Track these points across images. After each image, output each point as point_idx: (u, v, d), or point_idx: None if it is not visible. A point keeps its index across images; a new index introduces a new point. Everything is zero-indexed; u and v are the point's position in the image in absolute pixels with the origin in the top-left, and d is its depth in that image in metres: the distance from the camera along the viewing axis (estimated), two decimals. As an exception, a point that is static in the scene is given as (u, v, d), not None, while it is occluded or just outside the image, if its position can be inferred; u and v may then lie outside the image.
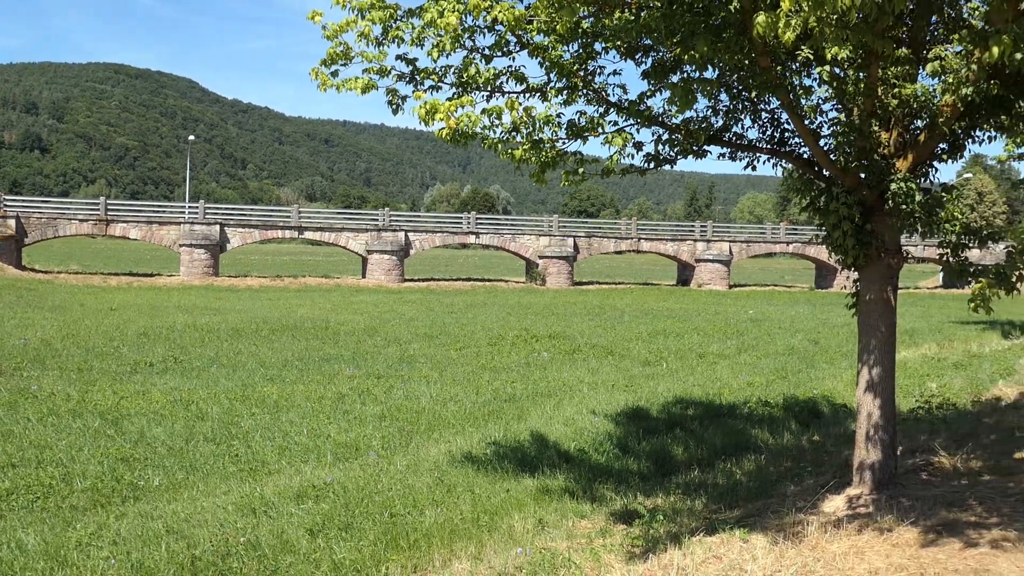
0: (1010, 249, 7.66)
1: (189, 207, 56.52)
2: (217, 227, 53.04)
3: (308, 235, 57.85)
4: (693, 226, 66.49)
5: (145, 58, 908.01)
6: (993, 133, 8.78)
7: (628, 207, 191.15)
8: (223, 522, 8.82)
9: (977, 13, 7.65)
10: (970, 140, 8.51)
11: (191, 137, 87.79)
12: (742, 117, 8.55)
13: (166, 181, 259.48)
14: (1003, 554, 6.17)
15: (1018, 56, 5.88)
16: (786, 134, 8.64)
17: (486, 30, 8.20)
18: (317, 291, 46.64)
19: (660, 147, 8.56)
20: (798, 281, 72.80)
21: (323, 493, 9.82)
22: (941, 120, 7.56)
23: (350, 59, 8.24)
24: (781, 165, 8.80)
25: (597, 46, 8.34)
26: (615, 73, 8.50)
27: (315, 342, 24.07)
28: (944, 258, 8.23)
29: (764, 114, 8.63)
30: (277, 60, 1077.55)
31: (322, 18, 8.09)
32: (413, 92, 8.29)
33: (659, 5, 7.05)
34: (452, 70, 8.35)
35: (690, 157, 8.70)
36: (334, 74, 8.31)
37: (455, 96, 8.13)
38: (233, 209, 58.97)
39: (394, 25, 8.04)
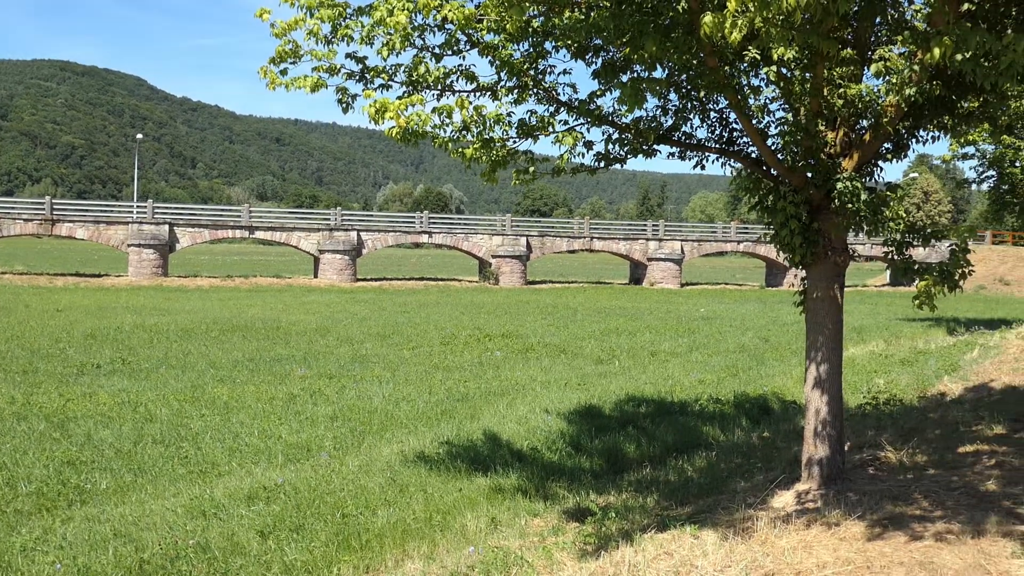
0: (953, 247, 7.79)
1: (137, 206, 55.79)
2: (166, 227, 52.43)
3: (259, 235, 57.38)
4: (645, 225, 66.90)
5: (91, 55, 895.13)
6: (936, 133, 8.93)
7: (581, 206, 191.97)
8: (172, 525, 8.73)
9: (920, 15, 7.78)
10: (914, 140, 8.66)
11: (139, 135, 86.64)
12: (691, 117, 8.61)
13: (114, 180, 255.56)
14: (947, 546, 6.27)
15: (959, 57, 5.98)
16: (734, 133, 8.71)
17: (436, 29, 8.20)
18: (268, 291, 46.26)
19: (610, 146, 8.59)
20: (749, 279, 73.56)
21: (274, 494, 9.74)
22: (885, 120, 7.67)
23: (299, 57, 8.19)
24: (730, 164, 8.87)
25: (548, 45, 8.35)
26: (565, 72, 8.53)
27: (266, 342, 23.87)
28: (889, 256, 8.35)
29: (713, 114, 8.70)
30: (227, 58, 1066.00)
31: (270, 16, 8.02)
32: (363, 91, 8.25)
33: (608, 5, 7.08)
34: (402, 69, 8.33)
35: (640, 156, 8.74)
36: (283, 72, 8.24)
37: (405, 95, 8.10)
38: (182, 208, 58.33)
39: (343, 23, 8.00)
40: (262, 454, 11.86)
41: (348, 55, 8.36)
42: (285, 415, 14.28)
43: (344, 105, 8.55)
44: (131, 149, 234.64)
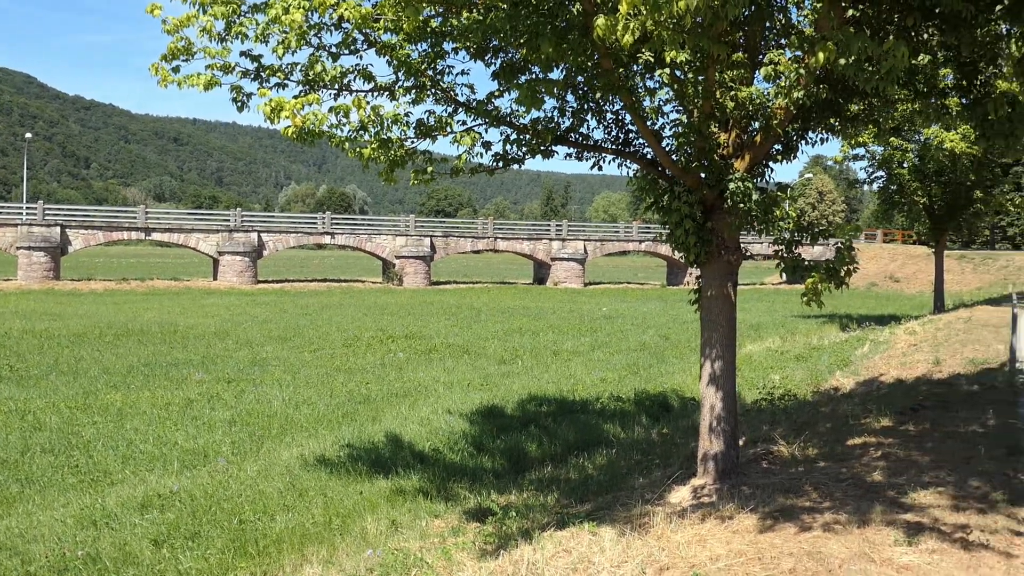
0: (839, 246, 8.03)
1: (27, 208, 53.83)
2: (57, 229, 50.79)
3: (156, 236, 56.00)
4: (549, 225, 67.39)
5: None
6: (825, 135, 9.21)
7: (485, 207, 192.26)
8: (61, 536, 8.48)
9: (807, 19, 8.00)
10: (803, 142, 8.90)
11: (28, 135, 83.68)
12: (587, 118, 8.69)
13: (2, 181, 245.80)
14: (834, 536, 6.46)
15: (842, 62, 6.17)
16: (630, 135, 8.83)
17: (332, 27, 8.11)
18: (165, 294, 45.21)
19: (508, 147, 8.62)
20: (650, 278, 74.63)
21: (169, 502, 9.53)
22: (775, 122, 7.86)
23: (192, 55, 8.02)
24: (626, 165, 8.99)
25: (447, 46, 8.35)
26: (463, 73, 8.53)
27: (163, 346, 23.32)
28: (779, 254, 8.56)
29: (609, 115, 8.80)
30: (122, 55, 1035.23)
31: (162, 12, 7.84)
32: (258, 89, 8.12)
33: (505, 6, 7.11)
34: (298, 68, 8.23)
35: (538, 157, 8.80)
36: (175, 70, 8.06)
37: (301, 94, 8.01)
38: (75, 210, 56.55)
39: (237, 21, 7.87)
40: (157, 461, 11.59)
41: (243, 53, 8.23)
42: (181, 421, 13.97)
43: (239, 104, 8.40)
44: (20, 149, 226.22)
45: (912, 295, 54.58)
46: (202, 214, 63.46)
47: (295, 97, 7.73)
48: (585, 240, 64.84)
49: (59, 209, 55.03)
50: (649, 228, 67.03)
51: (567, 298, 48.26)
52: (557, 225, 66.50)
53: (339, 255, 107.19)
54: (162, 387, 16.99)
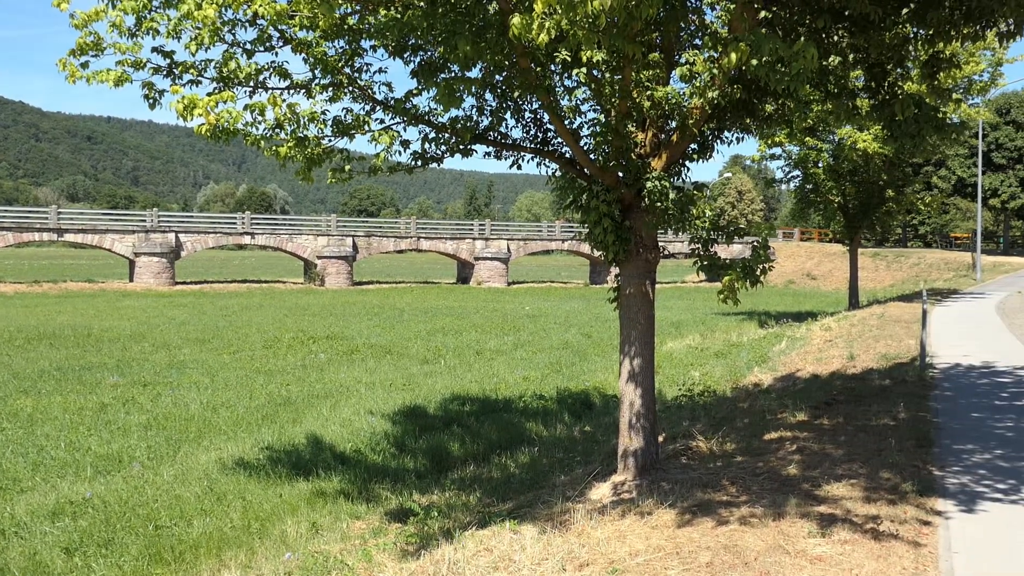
0: (754, 244, 8.16)
1: (-68, 208, 52.10)
2: (-35, 230, 49.23)
3: (69, 237, 54.53)
4: (472, 225, 67.34)
5: None
6: (740, 135, 9.35)
7: (409, 206, 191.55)
8: (-34, 546, 8.21)
9: (721, 20, 8.11)
10: (719, 141, 9.03)
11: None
12: (506, 117, 8.69)
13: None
14: (751, 530, 6.57)
15: (753, 63, 6.26)
16: (549, 134, 8.85)
17: (247, 24, 7.97)
18: (79, 296, 44.09)
19: (427, 145, 8.60)
20: (574, 277, 75.05)
21: (81, 509, 9.31)
22: (691, 122, 7.96)
23: (102, 50, 7.80)
24: (545, 164, 9.01)
25: (364, 43, 8.27)
26: (381, 71, 8.47)
27: (76, 350, 22.74)
28: (696, 252, 8.67)
29: (527, 114, 8.81)
30: (30, 51, 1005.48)
31: (69, 5, 7.62)
32: (171, 86, 7.95)
33: (422, 4, 7.07)
34: (212, 64, 8.06)
35: (458, 156, 8.77)
36: (84, 66, 7.83)
37: (216, 91, 7.86)
38: (-16, 210, 54.87)
39: (148, 16, 7.68)
40: (69, 467, 11.30)
41: (155, 49, 8.04)
42: (95, 426, 13.64)
43: (151, 101, 8.19)
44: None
45: (828, 292, 55.77)
46: (117, 214, 61.97)
47: (209, 94, 7.58)
48: (508, 239, 64.99)
49: (-34, 210, 53.32)
50: (572, 227, 67.35)
51: (490, 297, 48.30)
52: (480, 224, 66.51)
53: (260, 256, 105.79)
54: (75, 391, 16.56)
